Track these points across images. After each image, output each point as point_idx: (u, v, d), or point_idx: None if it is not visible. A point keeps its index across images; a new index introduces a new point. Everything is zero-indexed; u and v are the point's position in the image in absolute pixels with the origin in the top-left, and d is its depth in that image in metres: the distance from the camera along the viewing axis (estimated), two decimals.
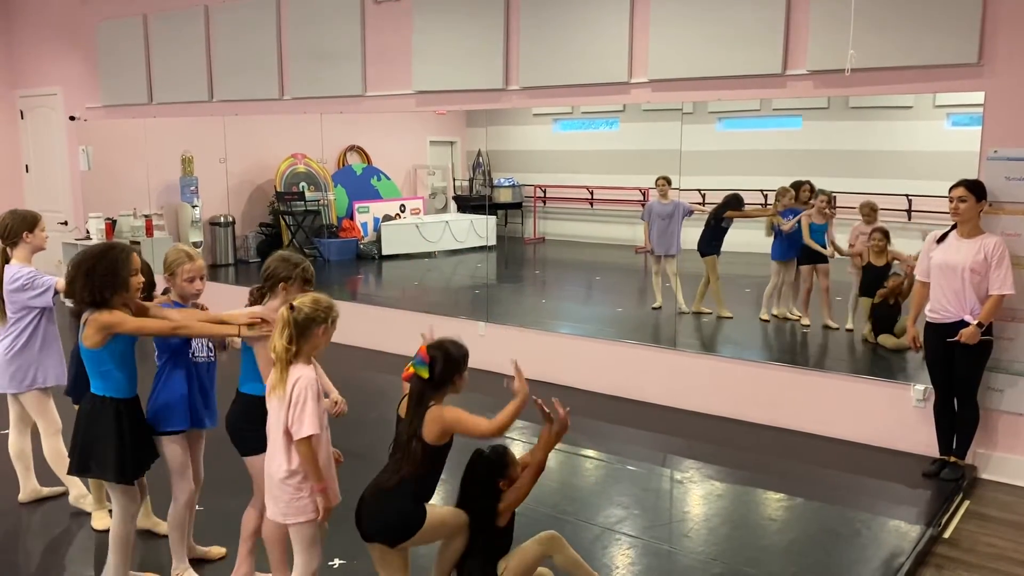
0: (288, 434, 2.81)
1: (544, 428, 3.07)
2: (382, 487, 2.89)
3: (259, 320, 3.11)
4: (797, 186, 7.22)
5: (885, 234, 6.65)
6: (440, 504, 3.09)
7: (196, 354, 3.36)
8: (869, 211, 6.81)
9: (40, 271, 4.02)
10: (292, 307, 2.84)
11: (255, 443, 3.16)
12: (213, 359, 3.44)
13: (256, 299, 3.27)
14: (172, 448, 3.32)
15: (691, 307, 7.54)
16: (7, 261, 3.99)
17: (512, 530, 3.07)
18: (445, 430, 2.83)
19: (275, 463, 2.87)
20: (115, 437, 3.07)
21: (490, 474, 3.03)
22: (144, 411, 3.29)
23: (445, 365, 2.86)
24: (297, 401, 2.78)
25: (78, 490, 4.12)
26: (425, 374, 2.84)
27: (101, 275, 2.99)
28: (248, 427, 3.17)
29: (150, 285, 3.42)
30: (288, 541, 3.03)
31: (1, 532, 4.02)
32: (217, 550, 3.65)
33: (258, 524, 3.28)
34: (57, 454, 4.07)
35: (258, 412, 3.14)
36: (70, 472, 3.21)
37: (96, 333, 3.00)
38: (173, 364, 3.31)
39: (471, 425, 2.82)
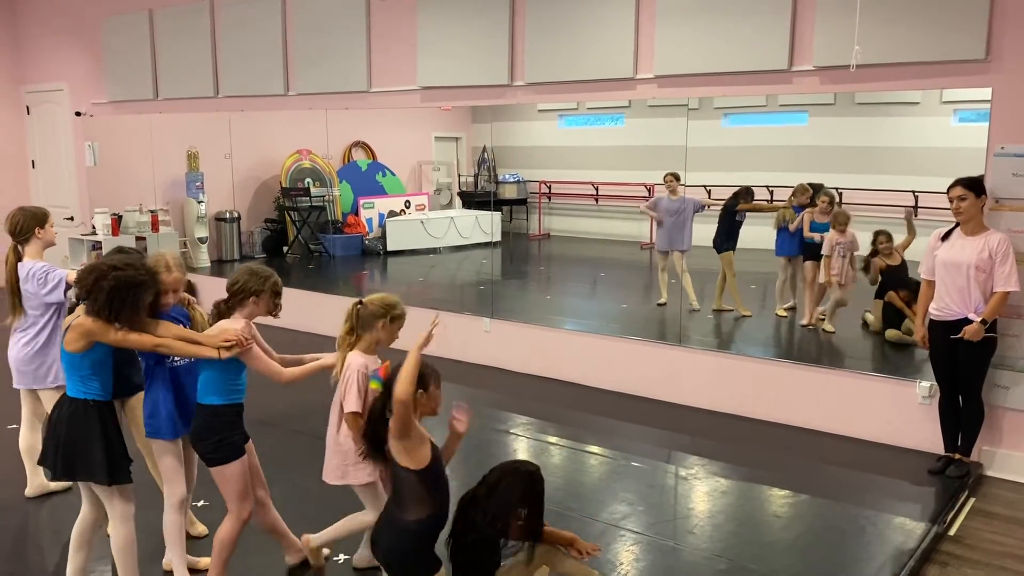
0: (340, 407, 3.19)
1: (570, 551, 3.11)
2: (392, 519, 2.88)
3: (233, 341, 3.09)
4: (815, 189, 7.19)
5: (888, 236, 6.63)
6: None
7: (174, 360, 3.31)
8: (844, 220, 6.78)
9: (53, 265, 4.05)
10: (360, 302, 3.24)
11: (215, 453, 3.20)
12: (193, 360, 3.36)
13: (222, 312, 3.23)
14: (162, 452, 3.32)
15: (712, 306, 7.52)
16: (19, 258, 4.02)
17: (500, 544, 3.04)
18: (404, 432, 2.75)
19: (331, 432, 3.26)
20: (102, 439, 3.04)
21: (523, 494, 2.96)
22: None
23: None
24: (347, 382, 3.15)
25: None
26: (377, 387, 2.90)
27: (121, 300, 2.96)
28: (208, 438, 3.19)
29: None
30: (230, 552, 3.29)
31: (9, 526, 4.03)
32: (207, 560, 3.52)
33: (229, 537, 3.27)
34: None
35: (220, 422, 3.19)
36: (54, 478, 3.13)
37: (79, 339, 2.99)
38: (153, 371, 3.30)
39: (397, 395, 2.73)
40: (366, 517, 3.34)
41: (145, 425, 3.33)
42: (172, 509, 3.34)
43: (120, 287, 2.96)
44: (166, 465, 3.33)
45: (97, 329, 2.97)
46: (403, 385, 2.69)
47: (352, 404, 3.12)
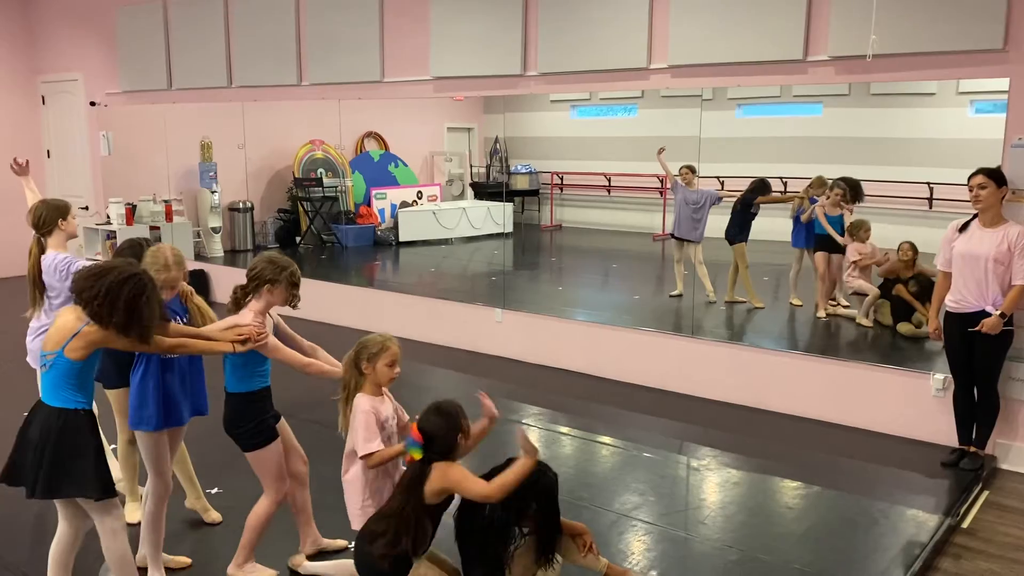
0: (351, 452, 3.04)
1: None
2: (366, 536, 2.90)
3: (246, 335, 3.09)
4: (833, 183, 7.14)
5: (912, 248, 6.63)
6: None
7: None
8: (864, 230, 6.81)
9: (75, 257, 4.07)
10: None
11: (253, 438, 3.23)
12: None
13: (239, 298, 3.24)
14: (148, 443, 3.29)
15: (724, 297, 7.52)
16: (43, 250, 4.05)
17: None
18: (445, 489, 2.82)
19: (344, 477, 3.11)
20: (94, 451, 2.87)
21: (533, 491, 2.97)
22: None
23: (446, 434, 2.82)
24: (354, 428, 3.02)
25: (117, 474, 4.15)
26: (419, 455, 2.82)
27: (138, 313, 2.80)
28: (244, 425, 3.22)
29: None
30: (261, 531, 3.30)
31: (28, 516, 4.03)
32: (182, 559, 3.55)
33: (265, 516, 3.32)
34: None
35: (251, 408, 3.22)
36: (32, 496, 2.86)
37: (85, 348, 2.80)
38: (142, 362, 3.27)
39: (473, 488, 2.79)
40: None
41: (131, 415, 3.30)
42: (156, 501, 3.31)
43: (136, 299, 2.79)
44: (150, 455, 3.30)
45: (105, 337, 2.82)
46: (501, 491, 2.76)
47: (362, 447, 2.96)
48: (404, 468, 3.01)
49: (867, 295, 6.83)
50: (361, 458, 2.98)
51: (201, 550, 3.67)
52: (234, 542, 3.44)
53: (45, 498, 2.88)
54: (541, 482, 2.98)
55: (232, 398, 3.24)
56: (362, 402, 3.04)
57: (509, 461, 3.01)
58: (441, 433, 2.81)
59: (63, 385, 2.84)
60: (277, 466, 3.29)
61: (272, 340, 3.19)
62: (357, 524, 3.11)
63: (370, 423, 2.99)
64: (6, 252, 9.71)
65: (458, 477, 2.80)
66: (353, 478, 3.07)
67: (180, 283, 3.39)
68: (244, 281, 3.26)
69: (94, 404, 3.82)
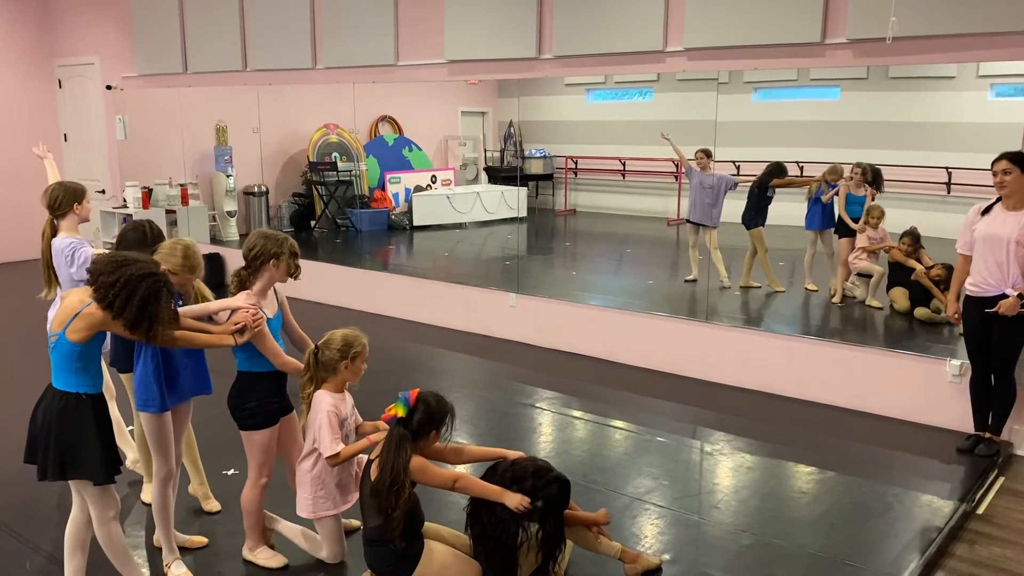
0: (313, 449, 3.19)
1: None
2: (368, 536, 3.04)
3: (243, 325, 3.10)
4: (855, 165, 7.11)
5: (915, 239, 6.58)
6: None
7: None
8: (877, 215, 6.78)
9: (82, 241, 4.09)
10: (317, 348, 3.16)
11: (248, 418, 3.26)
12: None
13: (243, 280, 3.24)
14: (152, 425, 3.28)
15: (739, 282, 7.49)
16: (55, 233, 4.07)
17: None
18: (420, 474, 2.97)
19: (301, 466, 3.26)
20: (97, 435, 2.86)
21: (555, 502, 3.03)
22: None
23: (424, 417, 2.95)
24: (318, 426, 3.12)
25: (134, 455, 4.20)
26: (402, 412, 2.93)
27: (151, 310, 2.77)
28: (242, 403, 3.26)
29: None
30: (257, 512, 3.39)
31: (53, 494, 4.08)
32: (198, 539, 3.59)
33: (254, 500, 3.35)
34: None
35: (253, 388, 3.25)
36: (44, 479, 2.89)
37: (86, 329, 2.76)
38: (142, 346, 3.23)
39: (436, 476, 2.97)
40: (320, 552, 3.39)
41: (136, 399, 3.31)
42: (160, 484, 3.31)
43: (151, 298, 2.76)
44: (153, 436, 3.30)
45: (106, 321, 2.77)
46: (481, 492, 2.98)
47: (328, 448, 3.09)
48: (367, 458, 3.11)
49: (871, 276, 6.80)
50: (326, 458, 3.11)
51: (218, 530, 3.71)
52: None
53: (55, 480, 2.89)
54: (539, 497, 3.00)
55: (238, 375, 3.28)
56: (325, 399, 3.12)
57: (513, 467, 3.07)
58: (428, 413, 2.95)
59: (66, 368, 2.82)
60: (264, 452, 3.31)
61: (265, 331, 3.18)
62: (305, 513, 3.25)
63: (333, 423, 3.10)
64: (26, 235, 9.79)
65: (422, 465, 2.94)
66: (310, 472, 3.19)
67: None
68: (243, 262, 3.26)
69: (112, 386, 3.83)
